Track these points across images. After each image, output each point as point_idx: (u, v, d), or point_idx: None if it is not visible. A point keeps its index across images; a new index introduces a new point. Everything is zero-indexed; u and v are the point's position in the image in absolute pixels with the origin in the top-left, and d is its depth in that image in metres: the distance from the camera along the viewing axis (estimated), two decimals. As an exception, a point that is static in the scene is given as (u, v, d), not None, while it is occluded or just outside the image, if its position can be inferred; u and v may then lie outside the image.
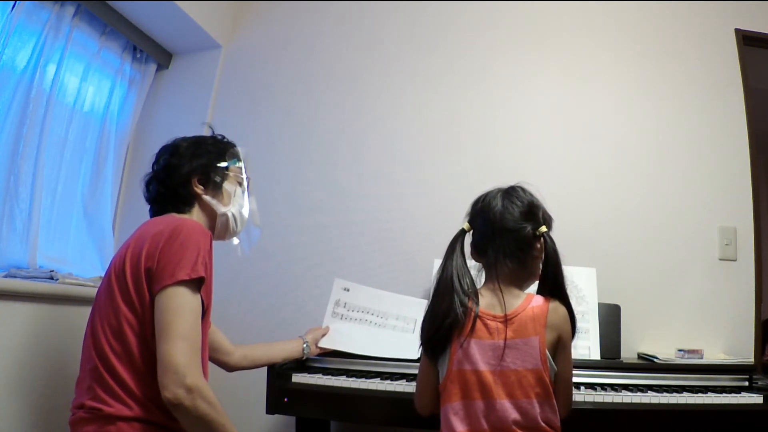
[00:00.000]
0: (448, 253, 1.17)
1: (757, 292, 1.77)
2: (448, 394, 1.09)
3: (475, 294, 1.12)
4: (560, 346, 1.09)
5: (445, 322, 1.09)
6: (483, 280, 1.19)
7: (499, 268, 1.14)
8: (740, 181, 1.85)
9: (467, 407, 1.06)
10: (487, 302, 1.12)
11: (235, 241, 1.37)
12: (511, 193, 1.18)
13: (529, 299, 1.12)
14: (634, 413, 1.28)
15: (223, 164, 1.31)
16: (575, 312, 1.13)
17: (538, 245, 1.15)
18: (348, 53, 2.26)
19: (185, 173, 1.25)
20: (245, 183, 1.36)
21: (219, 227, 1.30)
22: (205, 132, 1.39)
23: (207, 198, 1.27)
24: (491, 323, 1.09)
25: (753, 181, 1.85)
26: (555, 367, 1.08)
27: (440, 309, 1.11)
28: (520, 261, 1.14)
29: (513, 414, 1.03)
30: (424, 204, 2.02)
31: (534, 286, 1.18)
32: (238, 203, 1.32)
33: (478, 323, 1.09)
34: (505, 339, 1.06)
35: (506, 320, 1.08)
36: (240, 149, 1.37)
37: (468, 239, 1.20)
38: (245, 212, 1.34)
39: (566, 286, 1.13)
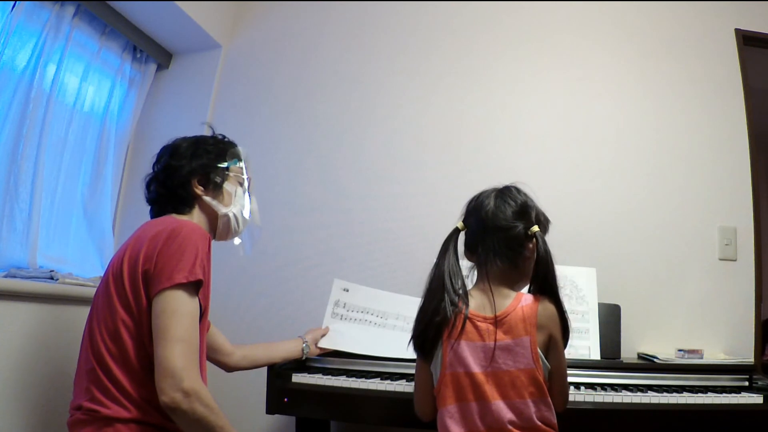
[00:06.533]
0: (442, 252, 1.16)
1: (757, 292, 1.77)
2: (442, 397, 1.08)
3: (465, 295, 1.11)
4: (552, 345, 1.08)
5: (434, 319, 1.09)
6: (474, 279, 1.18)
7: (490, 267, 1.13)
8: (740, 181, 1.85)
9: (462, 410, 1.06)
10: (477, 303, 1.11)
11: (237, 241, 1.36)
12: (505, 192, 1.17)
13: (519, 298, 1.11)
14: (634, 413, 1.28)
15: (224, 164, 1.30)
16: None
17: (530, 245, 1.13)
18: (348, 53, 2.26)
19: (185, 174, 1.24)
20: (246, 183, 1.35)
21: (221, 228, 1.29)
22: (206, 132, 1.38)
23: (207, 199, 1.26)
24: (482, 325, 1.08)
25: (753, 181, 1.85)
26: (548, 365, 1.08)
27: (430, 307, 1.10)
28: (510, 260, 1.13)
29: (508, 414, 1.03)
30: (424, 204, 2.02)
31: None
32: (239, 203, 1.31)
33: (469, 325, 1.08)
34: (495, 341, 1.06)
35: (496, 321, 1.07)
36: (241, 149, 1.36)
37: (462, 239, 1.19)
38: (246, 213, 1.33)
39: (558, 287, 1.11)
